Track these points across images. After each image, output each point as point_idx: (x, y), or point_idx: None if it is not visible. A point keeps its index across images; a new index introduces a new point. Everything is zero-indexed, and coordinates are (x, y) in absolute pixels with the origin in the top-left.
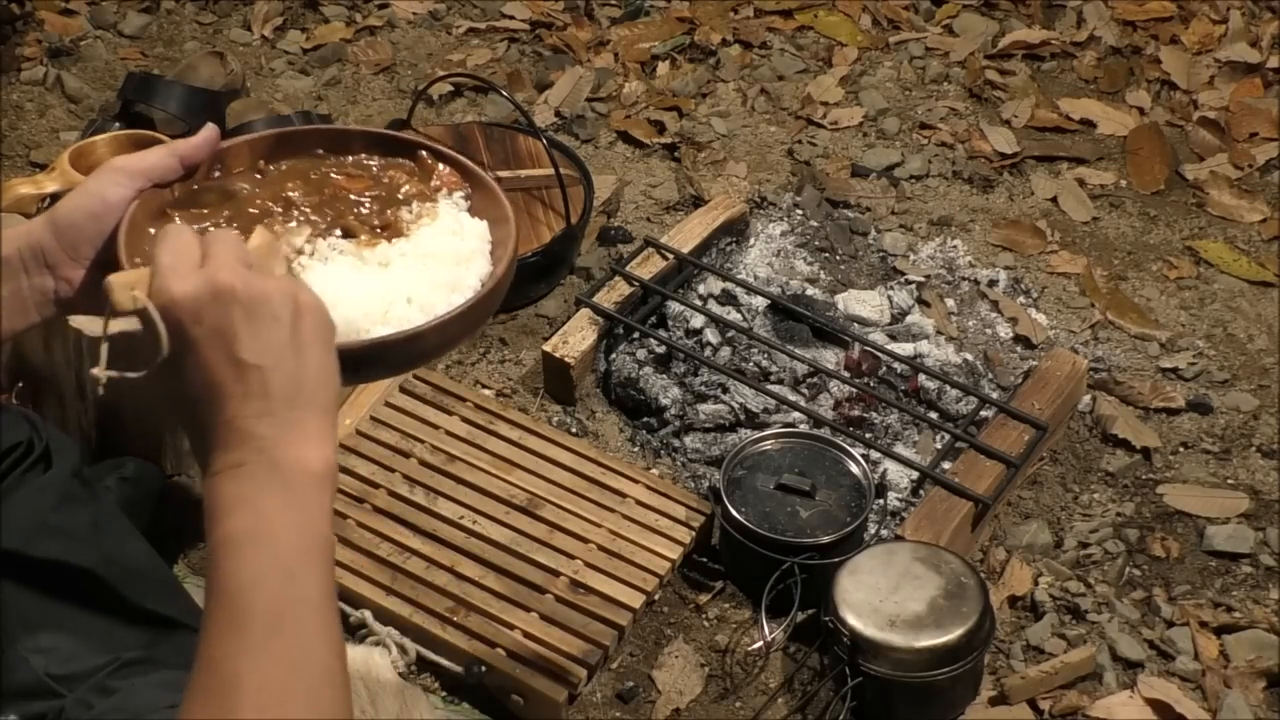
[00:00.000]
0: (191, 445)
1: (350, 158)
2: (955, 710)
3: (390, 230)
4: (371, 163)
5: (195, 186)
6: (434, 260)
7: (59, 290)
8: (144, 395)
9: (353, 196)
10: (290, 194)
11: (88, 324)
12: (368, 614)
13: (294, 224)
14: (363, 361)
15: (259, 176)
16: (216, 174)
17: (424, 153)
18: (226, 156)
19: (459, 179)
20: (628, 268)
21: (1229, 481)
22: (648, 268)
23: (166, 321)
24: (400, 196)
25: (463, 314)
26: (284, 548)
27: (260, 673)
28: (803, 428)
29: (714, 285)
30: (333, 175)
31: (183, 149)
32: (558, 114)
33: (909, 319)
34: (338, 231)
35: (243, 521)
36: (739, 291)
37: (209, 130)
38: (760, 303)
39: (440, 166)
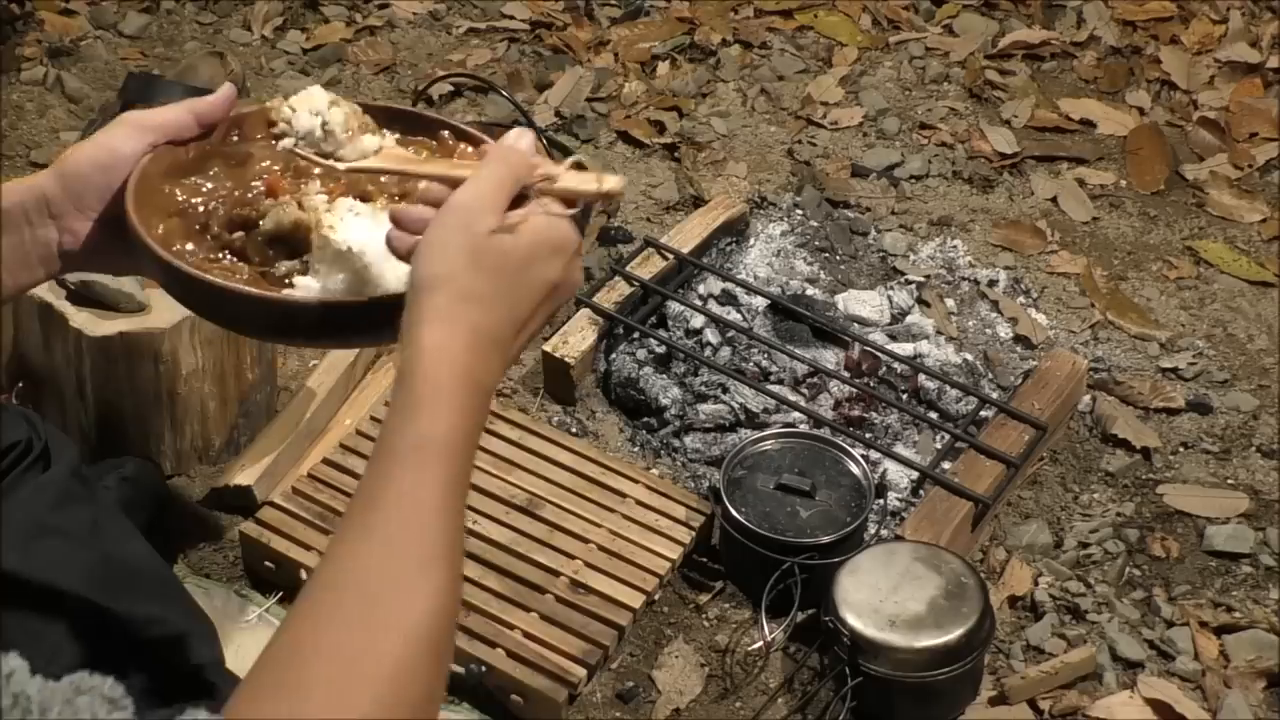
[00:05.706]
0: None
1: None
2: (955, 710)
3: (407, 198)
4: (392, 137)
5: (209, 148)
6: None
7: (63, 243)
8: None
9: None
10: (302, 163)
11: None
12: None
13: (305, 184)
14: (397, 311)
15: (274, 144)
16: (235, 139)
17: (446, 132)
18: (244, 123)
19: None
20: (628, 268)
21: (1229, 481)
22: (648, 268)
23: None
24: None
25: None
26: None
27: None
28: (803, 428)
29: (714, 285)
30: None
31: (199, 107)
32: (558, 114)
33: (909, 319)
34: (353, 197)
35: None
36: (739, 291)
37: (227, 89)
38: (760, 303)
39: (462, 146)
